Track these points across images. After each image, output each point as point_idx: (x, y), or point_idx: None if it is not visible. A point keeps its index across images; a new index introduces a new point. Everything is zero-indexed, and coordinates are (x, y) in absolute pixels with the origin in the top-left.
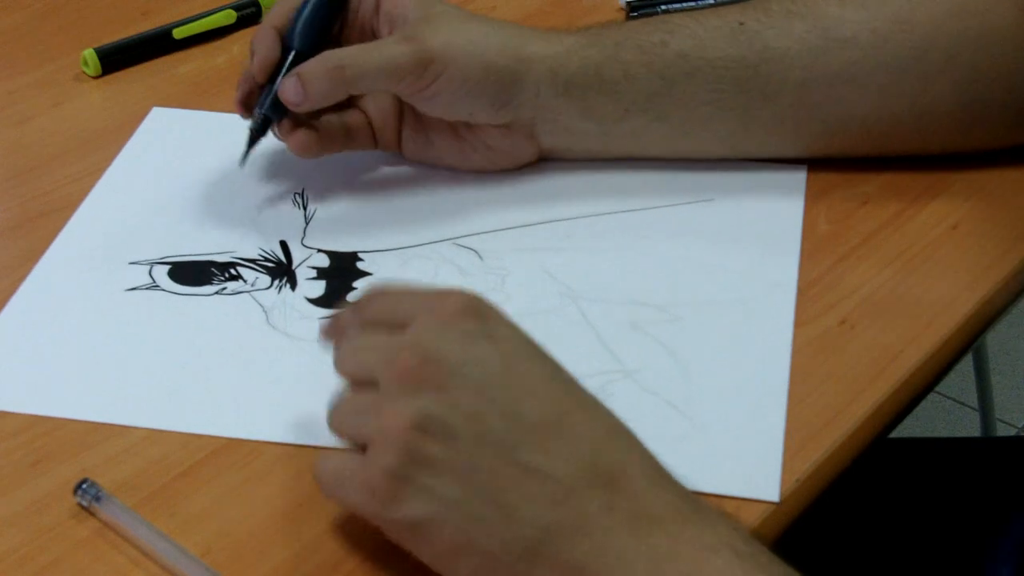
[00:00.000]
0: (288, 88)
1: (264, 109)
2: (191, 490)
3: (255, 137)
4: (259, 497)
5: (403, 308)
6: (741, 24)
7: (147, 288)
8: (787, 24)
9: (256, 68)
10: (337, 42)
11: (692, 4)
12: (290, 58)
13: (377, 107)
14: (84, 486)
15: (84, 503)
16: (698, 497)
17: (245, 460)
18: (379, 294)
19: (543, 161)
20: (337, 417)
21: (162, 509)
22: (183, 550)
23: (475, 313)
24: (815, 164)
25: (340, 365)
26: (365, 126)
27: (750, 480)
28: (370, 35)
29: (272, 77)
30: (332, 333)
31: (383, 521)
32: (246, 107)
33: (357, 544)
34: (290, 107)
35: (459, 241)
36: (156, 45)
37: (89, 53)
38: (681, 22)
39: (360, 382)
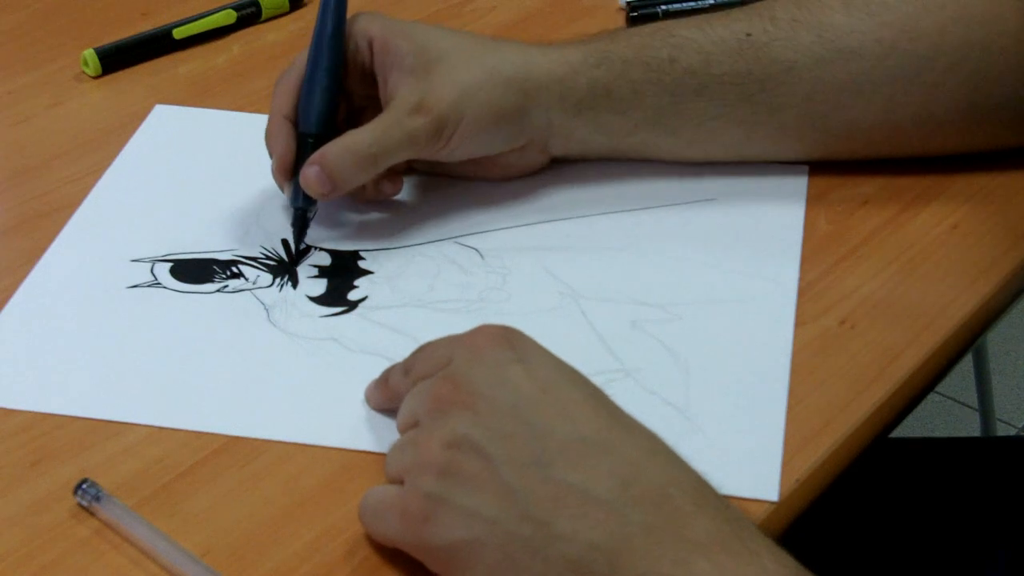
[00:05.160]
0: (313, 179)
1: (299, 203)
2: (191, 490)
3: (300, 232)
4: (259, 497)
5: (441, 352)
6: (748, 35)
7: (149, 285)
8: (793, 35)
9: (276, 168)
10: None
11: (692, 4)
12: (310, 143)
13: None
14: (84, 486)
15: (84, 503)
16: (741, 519)
17: (245, 460)
18: (420, 349)
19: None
20: (387, 461)
21: (162, 509)
22: (183, 550)
23: (506, 342)
24: (816, 165)
25: (398, 423)
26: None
27: (750, 480)
28: (370, 80)
29: (296, 169)
30: (381, 395)
31: (423, 549)
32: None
33: (357, 544)
34: (317, 198)
35: (460, 240)
36: (156, 45)
37: (89, 53)
38: (689, 35)
39: (408, 427)
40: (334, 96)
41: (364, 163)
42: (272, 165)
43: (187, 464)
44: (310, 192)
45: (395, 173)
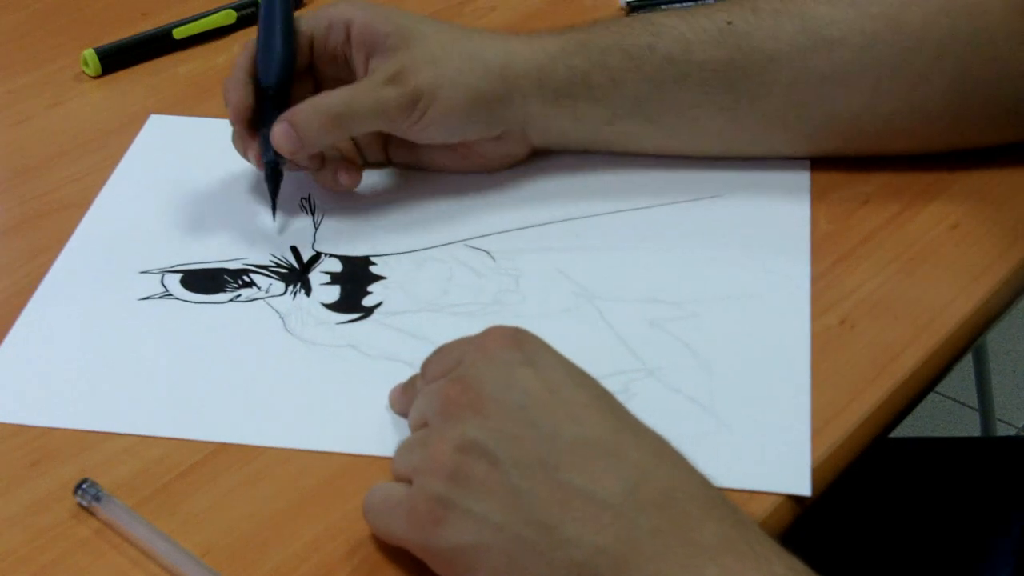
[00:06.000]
0: (281, 136)
1: (269, 156)
2: (191, 490)
3: (274, 185)
4: (259, 497)
5: (453, 355)
6: (729, 24)
7: (160, 297)
8: (775, 24)
9: (233, 118)
10: (310, 71)
11: (693, 3)
12: (268, 95)
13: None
14: (84, 486)
15: (84, 503)
16: (749, 523)
17: (245, 460)
18: (435, 352)
19: (549, 161)
20: (395, 459)
21: (162, 509)
22: (183, 550)
23: (515, 343)
24: (815, 163)
25: (409, 423)
26: (351, 147)
27: (781, 474)
28: (342, 61)
29: (263, 122)
30: (407, 400)
31: (429, 551)
32: (256, 156)
33: (357, 544)
34: (285, 155)
35: (471, 243)
36: (156, 45)
37: (89, 53)
38: (669, 23)
39: (418, 426)
40: (288, 47)
41: (332, 124)
42: (230, 117)
43: (187, 464)
44: (279, 149)
45: (352, 163)
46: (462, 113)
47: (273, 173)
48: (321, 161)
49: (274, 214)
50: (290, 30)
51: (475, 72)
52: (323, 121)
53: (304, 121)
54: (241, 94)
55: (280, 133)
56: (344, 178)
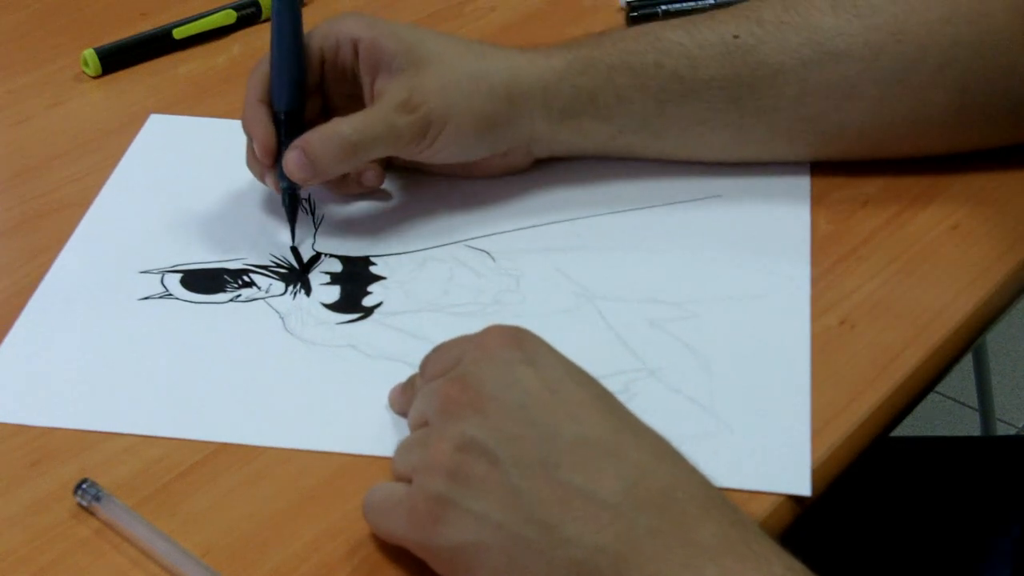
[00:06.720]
0: (293, 164)
1: (285, 183)
2: (191, 490)
3: (292, 210)
4: (259, 497)
5: (452, 353)
6: (735, 38)
7: (160, 297)
8: (781, 37)
9: (261, 153)
10: (319, 87)
11: (692, 4)
12: (281, 120)
13: None
14: (84, 486)
15: (84, 503)
16: (748, 523)
17: (245, 460)
18: (434, 350)
19: (549, 163)
20: (395, 458)
21: (162, 509)
22: (183, 550)
23: (515, 342)
24: (815, 165)
25: (409, 422)
26: None
27: (781, 475)
28: (351, 78)
29: (279, 150)
30: (405, 400)
31: (429, 550)
32: (273, 181)
33: (357, 544)
34: (297, 182)
35: (471, 243)
36: (156, 45)
37: (89, 53)
38: (674, 38)
39: (418, 426)
40: (301, 72)
41: (345, 152)
42: (252, 150)
43: (187, 464)
44: (292, 177)
45: (377, 164)
46: (471, 137)
47: (291, 199)
48: (341, 176)
49: (293, 237)
50: (301, 54)
51: (481, 95)
52: (336, 150)
53: (317, 149)
54: (265, 129)
55: (293, 161)
56: (371, 178)
